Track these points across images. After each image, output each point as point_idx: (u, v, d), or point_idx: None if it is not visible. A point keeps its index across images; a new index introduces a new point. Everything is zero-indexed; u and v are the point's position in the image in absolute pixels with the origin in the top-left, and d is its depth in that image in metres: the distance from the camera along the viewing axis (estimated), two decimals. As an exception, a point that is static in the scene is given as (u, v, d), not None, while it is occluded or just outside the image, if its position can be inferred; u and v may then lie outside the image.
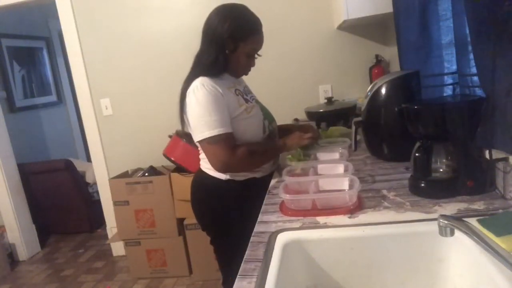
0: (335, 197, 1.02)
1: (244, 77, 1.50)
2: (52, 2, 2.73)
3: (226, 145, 1.24)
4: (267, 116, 1.45)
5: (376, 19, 2.11)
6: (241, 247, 0.88)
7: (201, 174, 1.42)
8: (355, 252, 0.88)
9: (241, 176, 1.36)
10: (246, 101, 1.37)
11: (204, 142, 1.26)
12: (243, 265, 0.81)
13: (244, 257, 0.84)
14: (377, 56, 2.40)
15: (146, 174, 2.59)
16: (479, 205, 0.92)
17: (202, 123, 1.24)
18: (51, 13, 2.99)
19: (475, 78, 1.04)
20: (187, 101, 1.28)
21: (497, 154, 0.94)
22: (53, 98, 4.56)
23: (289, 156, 1.40)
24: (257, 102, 1.47)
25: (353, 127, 1.38)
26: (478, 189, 0.97)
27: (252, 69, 1.41)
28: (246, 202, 1.30)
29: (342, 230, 0.90)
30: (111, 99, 2.83)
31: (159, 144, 2.43)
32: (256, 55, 1.38)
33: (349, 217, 0.95)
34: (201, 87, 1.24)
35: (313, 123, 2.08)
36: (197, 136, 1.27)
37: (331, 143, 1.57)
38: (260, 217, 1.04)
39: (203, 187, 1.42)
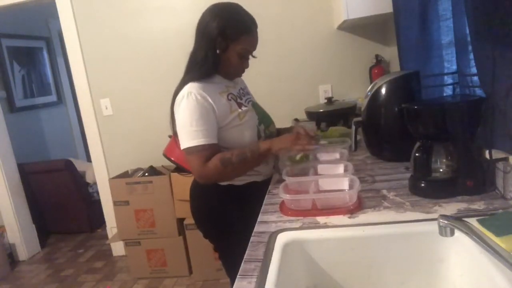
0: (335, 197, 1.02)
1: (243, 77, 1.47)
2: (52, 2, 2.73)
3: (200, 156, 1.22)
4: (264, 119, 1.41)
5: (376, 19, 2.11)
6: (246, 251, 0.87)
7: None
8: (355, 252, 0.88)
9: (240, 181, 1.34)
10: (240, 106, 1.33)
11: (185, 151, 1.25)
12: (243, 265, 0.81)
13: (244, 257, 0.84)
14: (377, 56, 2.39)
15: (146, 174, 2.59)
16: (479, 205, 0.92)
17: (184, 132, 1.23)
18: (51, 13, 2.99)
19: (475, 78, 1.04)
20: (175, 108, 1.28)
21: (497, 154, 0.94)
22: (53, 98, 4.55)
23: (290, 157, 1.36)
24: (254, 105, 1.42)
25: (353, 127, 1.38)
26: (478, 189, 0.97)
27: (252, 69, 1.39)
28: (247, 206, 1.26)
29: (342, 230, 0.90)
30: (111, 99, 2.83)
31: (159, 144, 2.43)
32: (251, 56, 1.34)
33: (349, 217, 0.95)
34: (188, 96, 1.23)
35: (313, 123, 2.08)
36: (181, 145, 1.26)
37: (331, 143, 1.57)
38: (260, 217, 1.04)
39: (203, 194, 1.39)
